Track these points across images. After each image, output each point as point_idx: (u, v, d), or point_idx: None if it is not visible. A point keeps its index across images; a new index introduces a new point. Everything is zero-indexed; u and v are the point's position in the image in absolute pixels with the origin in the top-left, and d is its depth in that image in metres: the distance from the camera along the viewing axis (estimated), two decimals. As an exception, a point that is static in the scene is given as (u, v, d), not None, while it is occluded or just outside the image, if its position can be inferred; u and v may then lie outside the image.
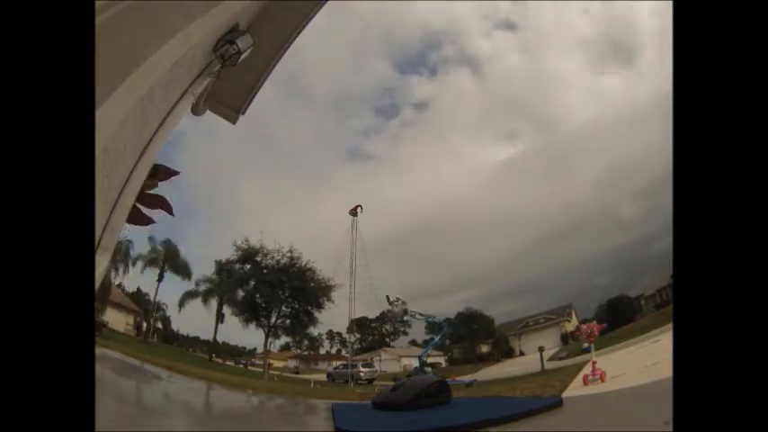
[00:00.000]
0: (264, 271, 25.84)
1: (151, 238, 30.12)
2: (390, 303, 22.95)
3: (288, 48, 4.02)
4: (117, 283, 30.01)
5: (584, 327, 8.69)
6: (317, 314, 26.14)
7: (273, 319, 25.99)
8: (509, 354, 33.90)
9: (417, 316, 24.23)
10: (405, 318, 23.14)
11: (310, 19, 3.85)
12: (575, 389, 6.92)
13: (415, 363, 24.78)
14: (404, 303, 22.84)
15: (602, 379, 6.92)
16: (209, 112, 4.27)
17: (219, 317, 30.96)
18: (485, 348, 36.76)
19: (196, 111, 3.92)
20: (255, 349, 38.54)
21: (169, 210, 3.08)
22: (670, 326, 7.57)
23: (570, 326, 32.84)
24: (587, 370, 7.88)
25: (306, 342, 32.92)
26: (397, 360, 39.81)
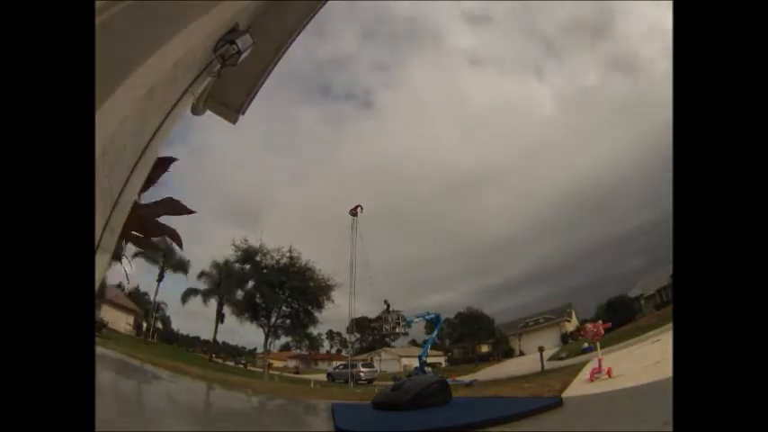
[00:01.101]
0: (264, 271, 25.85)
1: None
2: (384, 316, 22.86)
3: (288, 48, 4.02)
4: (117, 283, 29.91)
5: (589, 326, 8.79)
6: (316, 314, 26.18)
7: (273, 319, 25.99)
8: (509, 354, 33.89)
9: (415, 320, 24.21)
10: (398, 330, 23.08)
11: (310, 19, 3.85)
12: (575, 389, 6.92)
13: (416, 363, 24.76)
14: (396, 313, 22.68)
15: (608, 374, 7.00)
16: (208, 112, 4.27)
17: (219, 317, 30.92)
18: (485, 348, 36.76)
19: (196, 111, 3.91)
20: (255, 349, 38.53)
21: (179, 243, 3.18)
22: (670, 326, 7.60)
23: (570, 326, 32.86)
24: (589, 368, 7.92)
25: (306, 342, 32.90)
26: (397, 360, 39.78)
